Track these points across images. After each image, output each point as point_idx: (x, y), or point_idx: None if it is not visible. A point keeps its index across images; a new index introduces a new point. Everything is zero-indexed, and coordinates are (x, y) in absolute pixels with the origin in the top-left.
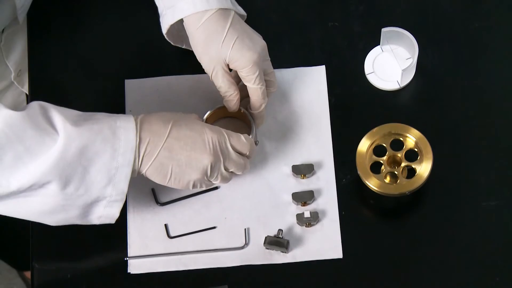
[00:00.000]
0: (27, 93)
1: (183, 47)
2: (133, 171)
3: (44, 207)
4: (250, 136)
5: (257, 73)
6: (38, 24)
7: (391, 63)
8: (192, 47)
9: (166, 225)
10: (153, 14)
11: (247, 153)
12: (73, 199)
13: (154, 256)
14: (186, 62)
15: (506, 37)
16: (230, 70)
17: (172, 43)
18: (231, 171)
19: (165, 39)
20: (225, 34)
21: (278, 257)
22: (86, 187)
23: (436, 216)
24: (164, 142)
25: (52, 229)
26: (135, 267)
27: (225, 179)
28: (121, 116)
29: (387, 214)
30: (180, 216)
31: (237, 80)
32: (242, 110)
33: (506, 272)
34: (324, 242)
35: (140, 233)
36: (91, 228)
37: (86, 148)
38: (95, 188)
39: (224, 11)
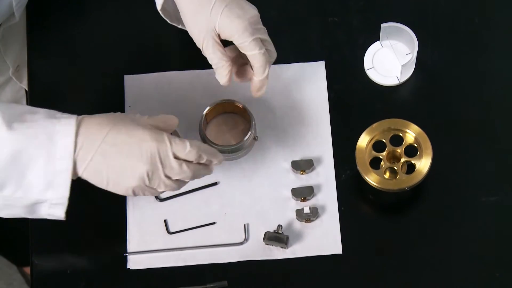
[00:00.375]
0: (26, 88)
1: (179, 26)
2: (72, 176)
3: None
4: (249, 132)
5: (252, 37)
6: (36, 20)
7: (390, 58)
8: (182, 20)
9: (165, 221)
10: (152, 9)
11: (194, 159)
12: (12, 201)
13: (153, 251)
14: (186, 57)
15: (506, 32)
16: (222, 42)
17: (168, 21)
18: (177, 179)
19: (165, 33)
20: (213, 3)
21: (277, 253)
22: (24, 191)
23: (436, 212)
24: (98, 147)
25: (51, 225)
26: (134, 262)
27: (169, 187)
28: (62, 118)
29: (387, 209)
30: (179, 212)
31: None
32: (242, 105)
33: (506, 268)
34: (323, 238)
35: (140, 229)
36: (91, 224)
37: (20, 153)
38: (34, 192)
39: None
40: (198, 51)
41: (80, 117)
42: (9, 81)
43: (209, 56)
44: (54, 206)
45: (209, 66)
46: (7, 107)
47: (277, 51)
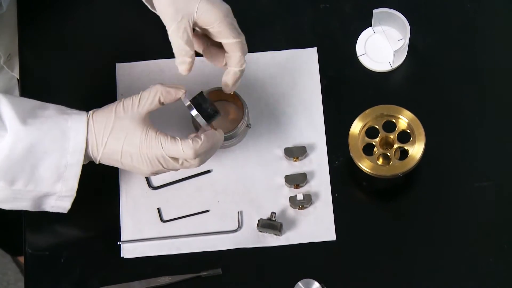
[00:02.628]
0: (18, 77)
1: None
2: (81, 171)
3: None
4: (242, 120)
5: (232, 25)
6: (27, 10)
7: (383, 44)
8: (157, 10)
9: (159, 209)
10: None
11: (191, 157)
12: (22, 194)
13: (147, 240)
14: None
15: (498, 17)
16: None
17: (150, 8)
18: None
19: (156, 21)
20: None
21: (271, 240)
22: (35, 184)
23: (429, 197)
24: (102, 153)
25: (45, 215)
26: (128, 251)
27: (176, 169)
28: (73, 114)
29: (380, 195)
30: (173, 200)
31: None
32: (234, 93)
33: (499, 253)
34: (317, 224)
35: (133, 218)
36: (84, 213)
37: (34, 147)
38: (45, 185)
39: None
40: None
41: (90, 113)
42: (1, 70)
43: (176, 40)
44: (62, 199)
45: (200, 54)
46: (19, 102)
47: (269, 38)
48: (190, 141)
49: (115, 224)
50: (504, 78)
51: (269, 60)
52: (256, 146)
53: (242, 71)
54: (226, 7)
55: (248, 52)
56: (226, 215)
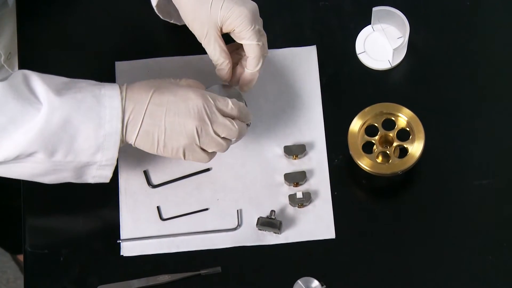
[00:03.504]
0: None
1: (171, 21)
2: (121, 140)
3: (34, 171)
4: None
5: (251, 27)
6: (27, 7)
7: (382, 42)
8: (181, 16)
9: (158, 207)
10: None
11: (236, 115)
12: (62, 165)
13: (146, 238)
14: (176, 43)
15: (498, 15)
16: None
17: (161, 17)
18: (224, 137)
19: (155, 20)
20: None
21: (270, 238)
22: (75, 155)
23: (428, 195)
24: (146, 109)
25: (44, 212)
26: (127, 249)
27: (219, 145)
28: (106, 84)
29: (380, 194)
30: (172, 198)
31: (232, 50)
32: (234, 88)
33: (498, 250)
34: (316, 223)
35: (133, 216)
36: (84, 210)
37: (71, 117)
38: (84, 155)
39: None
40: (189, 36)
41: (124, 84)
42: (1, 69)
43: (210, 51)
44: (104, 168)
45: (200, 52)
46: (49, 77)
47: (268, 36)
48: (234, 100)
49: (114, 222)
50: (503, 76)
51: (269, 58)
52: (255, 144)
53: (253, 74)
54: (249, 6)
55: None
56: (226, 213)
